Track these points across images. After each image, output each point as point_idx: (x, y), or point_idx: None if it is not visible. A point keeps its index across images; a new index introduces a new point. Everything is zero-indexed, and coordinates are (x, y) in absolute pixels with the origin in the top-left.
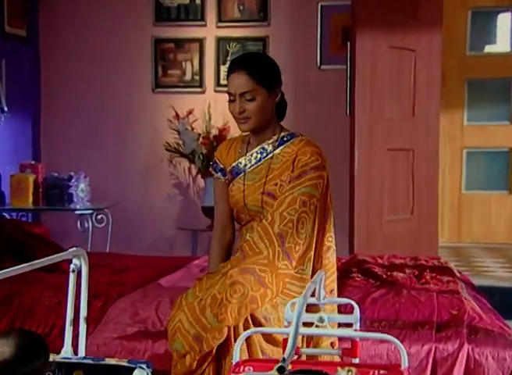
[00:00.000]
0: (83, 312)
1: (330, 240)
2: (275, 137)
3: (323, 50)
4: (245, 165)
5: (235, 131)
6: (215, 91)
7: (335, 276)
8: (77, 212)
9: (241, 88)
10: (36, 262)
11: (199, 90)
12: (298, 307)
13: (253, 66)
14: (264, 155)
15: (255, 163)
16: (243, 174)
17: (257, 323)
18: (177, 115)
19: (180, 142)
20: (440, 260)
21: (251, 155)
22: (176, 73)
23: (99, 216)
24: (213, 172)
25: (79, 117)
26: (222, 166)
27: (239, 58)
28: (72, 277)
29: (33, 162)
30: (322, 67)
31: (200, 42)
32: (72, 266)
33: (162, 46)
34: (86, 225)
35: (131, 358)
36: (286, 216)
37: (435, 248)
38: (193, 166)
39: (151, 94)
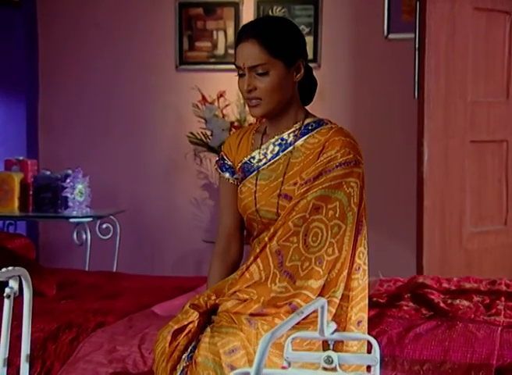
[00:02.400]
0: (25, 349)
1: (361, 256)
2: (297, 126)
3: (392, 14)
4: (259, 160)
5: None
6: None
7: (365, 303)
8: (72, 220)
9: (251, 61)
10: None
11: (233, 67)
12: (262, 343)
13: (266, 32)
14: (284, 147)
15: (272, 158)
16: (256, 172)
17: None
18: (204, 98)
19: (208, 133)
20: None
21: (267, 148)
22: (206, 46)
23: (104, 226)
24: (219, 171)
25: (85, 101)
26: (230, 163)
27: (250, 23)
28: (7, 304)
29: (21, 158)
30: (390, 36)
31: (236, 7)
32: (7, 290)
33: (188, 12)
34: (84, 236)
35: None
36: (291, 227)
37: None
38: None
39: (173, 73)
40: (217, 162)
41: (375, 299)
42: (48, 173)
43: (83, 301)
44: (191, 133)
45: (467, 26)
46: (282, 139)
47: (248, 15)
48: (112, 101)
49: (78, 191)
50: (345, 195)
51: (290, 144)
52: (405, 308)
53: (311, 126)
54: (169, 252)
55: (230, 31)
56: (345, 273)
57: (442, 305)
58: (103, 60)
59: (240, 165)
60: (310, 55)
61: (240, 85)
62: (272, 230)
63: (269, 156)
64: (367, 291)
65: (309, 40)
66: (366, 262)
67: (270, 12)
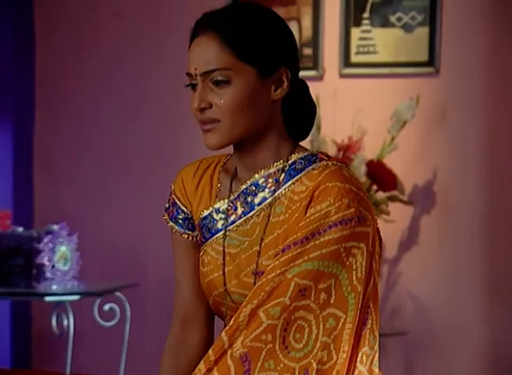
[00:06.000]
0: None
1: (365, 360)
2: (278, 165)
3: None
4: (225, 216)
5: (371, 145)
6: (342, 76)
7: None
8: (49, 298)
9: (206, 63)
10: None
11: (313, 73)
12: None
13: (231, 23)
14: (260, 199)
15: (243, 215)
16: (222, 234)
17: None
18: None
19: None
20: None
21: (237, 199)
22: None
23: (106, 307)
24: (169, 221)
25: (97, 128)
26: (185, 211)
27: (210, 11)
28: None
29: None
30: None
31: None
32: None
33: None
34: (65, 323)
35: None
36: (262, 319)
37: None
38: None
39: None
40: (167, 210)
41: None
42: (20, 229)
43: None
44: None
45: None
46: (257, 185)
47: None
48: (135, 126)
49: (60, 257)
50: (344, 269)
51: (271, 194)
52: None
53: (299, 164)
54: None
55: (307, 22)
56: None
57: None
58: (125, 67)
59: (198, 218)
60: (424, 56)
61: (191, 102)
62: (232, 323)
63: (239, 211)
64: None
65: (423, 32)
66: (375, 369)
67: None
